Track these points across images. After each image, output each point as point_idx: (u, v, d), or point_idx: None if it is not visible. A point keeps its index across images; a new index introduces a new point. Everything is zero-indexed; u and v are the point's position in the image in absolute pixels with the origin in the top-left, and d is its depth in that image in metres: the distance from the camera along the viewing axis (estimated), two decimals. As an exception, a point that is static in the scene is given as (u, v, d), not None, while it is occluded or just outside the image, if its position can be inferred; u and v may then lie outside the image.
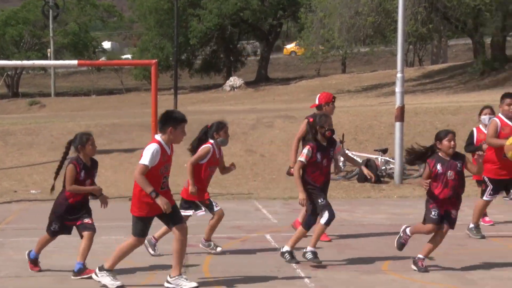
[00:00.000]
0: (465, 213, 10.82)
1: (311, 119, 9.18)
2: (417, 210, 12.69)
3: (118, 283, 7.67)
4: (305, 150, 8.62)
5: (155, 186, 7.42)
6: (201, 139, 9.33)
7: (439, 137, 8.32)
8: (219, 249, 9.43)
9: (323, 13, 35.46)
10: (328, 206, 8.60)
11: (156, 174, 7.46)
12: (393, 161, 17.23)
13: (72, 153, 8.34)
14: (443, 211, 8.28)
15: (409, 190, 15.89)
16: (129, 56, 62.14)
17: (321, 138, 8.70)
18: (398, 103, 16.84)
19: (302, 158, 8.61)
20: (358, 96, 35.66)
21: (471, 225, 10.51)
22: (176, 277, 7.58)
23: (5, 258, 9.28)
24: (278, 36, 54.50)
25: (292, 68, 62.02)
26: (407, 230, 8.56)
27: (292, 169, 9.78)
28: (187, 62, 51.34)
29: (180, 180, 13.36)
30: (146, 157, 7.40)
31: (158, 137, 7.59)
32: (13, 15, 55.13)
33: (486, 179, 10.35)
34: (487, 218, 11.71)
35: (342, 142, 16.36)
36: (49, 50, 53.46)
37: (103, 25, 66.01)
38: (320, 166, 8.64)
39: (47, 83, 57.34)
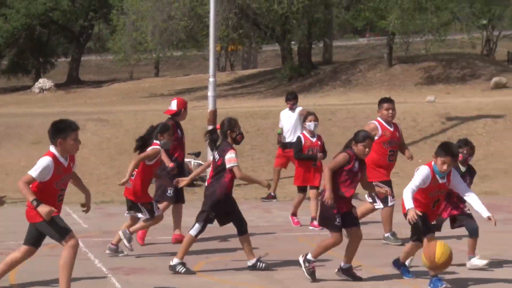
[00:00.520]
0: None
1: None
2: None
3: None
4: (233, 154, 8.57)
5: (51, 199, 7.04)
6: (145, 139, 9.25)
7: (357, 138, 8.12)
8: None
9: (135, 16, 35.26)
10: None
11: (52, 188, 7.10)
12: (206, 164, 17.44)
13: None
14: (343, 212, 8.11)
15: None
16: None
17: (231, 142, 8.69)
18: (210, 107, 17.08)
19: (237, 163, 8.58)
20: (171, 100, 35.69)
21: (386, 235, 10.34)
22: None
23: None
24: (89, 38, 53.56)
25: (105, 71, 61.10)
26: (309, 257, 8.20)
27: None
28: (-7, 63, 49.24)
29: None
30: (36, 170, 7.01)
31: (52, 148, 7.19)
32: None
33: (380, 184, 10.10)
34: (295, 219, 12.13)
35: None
36: None
37: None
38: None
39: None
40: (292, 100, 14.70)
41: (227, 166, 8.49)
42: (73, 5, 46.29)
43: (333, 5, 36.93)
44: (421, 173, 7.84)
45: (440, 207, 8.19)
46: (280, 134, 14.79)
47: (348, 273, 8.21)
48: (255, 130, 21.13)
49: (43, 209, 6.87)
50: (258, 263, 8.64)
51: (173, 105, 10.80)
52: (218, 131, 8.88)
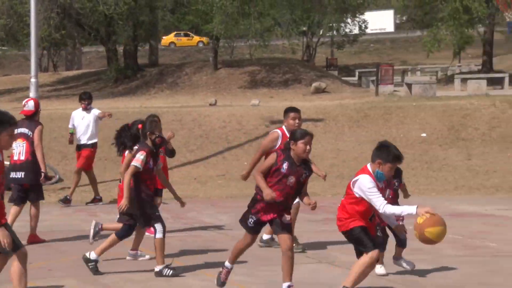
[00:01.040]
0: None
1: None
2: (51, 216, 12.59)
3: None
4: (141, 156, 8.26)
5: None
6: (137, 137, 8.67)
7: (294, 137, 7.25)
8: (147, 256, 9.22)
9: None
10: (160, 218, 8.37)
11: None
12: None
13: None
14: (265, 219, 7.27)
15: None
16: None
17: (150, 144, 8.42)
18: (32, 108, 16.55)
19: (138, 164, 8.23)
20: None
21: (267, 237, 10.07)
22: None
23: None
24: None
25: None
26: (226, 264, 7.54)
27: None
28: None
29: None
30: None
31: None
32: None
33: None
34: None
35: None
36: None
37: None
38: (152, 172, 8.45)
39: None
40: (86, 100, 14.66)
41: (132, 163, 8.34)
42: None
43: (158, 8, 36.92)
44: (369, 183, 6.95)
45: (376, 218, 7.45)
46: (72, 134, 14.78)
47: None
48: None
49: None
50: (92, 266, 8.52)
51: (30, 106, 10.53)
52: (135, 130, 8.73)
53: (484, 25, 41.19)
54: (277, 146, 9.36)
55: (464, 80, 31.58)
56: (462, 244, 10.33)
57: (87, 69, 49.31)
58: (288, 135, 9.20)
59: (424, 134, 21.14)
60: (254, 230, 7.33)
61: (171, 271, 8.36)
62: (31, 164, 10.33)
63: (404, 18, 65.63)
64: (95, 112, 14.70)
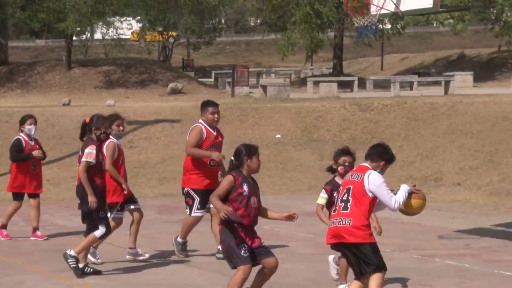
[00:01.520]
0: None
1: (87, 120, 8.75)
2: None
3: None
4: (92, 150, 8.39)
5: None
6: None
7: (250, 152, 6.82)
8: (147, 255, 9.23)
9: None
10: (106, 220, 8.48)
11: None
12: None
13: None
14: (255, 244, 6.84)
15: None
16: None
17: (95, 138, 8.52)
18: None
19: (90, 158, 8.34)
20: None
21: (179, 239, 9.68)
22: None
23: None
24: None
25: None
26: None
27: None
28: None
29: None
30: None
31: None
32: None
33: (191, 192, 9.37)
34: (4, 232, 11.16)
35: None
36: None
37: None
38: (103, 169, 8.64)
39: None
40: None
41: (82, 159, 8.41)
42: None
43: (7, 4, 35.67)
44: (381, 178, 6.76)
45: None
46: None
47: None
48: None
49: None
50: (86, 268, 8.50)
51: None
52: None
53: (334, 30, 42.44)
54: (203, 138, 9.28)
55: (316, 83, 32.40)
56: (314, 242, 10.63)
57: None
58: (208, 129, 9.42)
59: (278, 135, 21.59)
60: (251, 258, 6.80)
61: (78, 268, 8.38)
62: None
63: (258, 21, 66.71)
64: None
